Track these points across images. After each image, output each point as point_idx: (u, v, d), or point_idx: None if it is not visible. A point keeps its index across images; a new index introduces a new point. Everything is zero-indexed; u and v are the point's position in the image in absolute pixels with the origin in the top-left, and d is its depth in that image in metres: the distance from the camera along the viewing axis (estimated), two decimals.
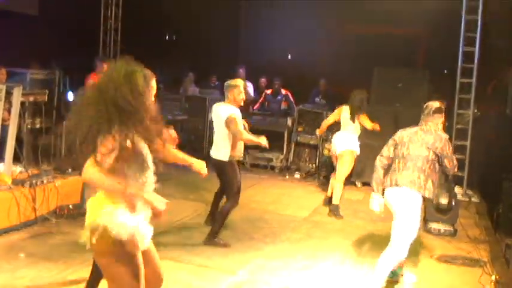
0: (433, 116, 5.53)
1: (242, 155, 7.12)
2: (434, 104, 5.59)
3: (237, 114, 6.62)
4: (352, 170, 8.79)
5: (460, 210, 8.01)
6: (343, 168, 8.40)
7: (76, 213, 7.07)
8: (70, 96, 10.56)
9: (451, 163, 5.40)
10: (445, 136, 5.49)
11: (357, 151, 8.44)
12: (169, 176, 7.80)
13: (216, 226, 6.68)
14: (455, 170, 5.54)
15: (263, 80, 12.65)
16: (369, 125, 8.37)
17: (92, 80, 9.45)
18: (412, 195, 5.27)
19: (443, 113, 5.64)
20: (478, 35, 10.12)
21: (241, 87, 6.79)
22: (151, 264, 3.54)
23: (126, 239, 3.25)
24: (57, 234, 6.43)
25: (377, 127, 8.40)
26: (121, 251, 3.27)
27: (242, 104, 6.86)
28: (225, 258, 6.10)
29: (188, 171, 4.25)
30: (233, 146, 6.62)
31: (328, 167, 10.55)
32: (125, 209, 3.29)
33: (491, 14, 10.34)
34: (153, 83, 3.47)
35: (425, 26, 13.13)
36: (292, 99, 12.06)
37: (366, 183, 9.66)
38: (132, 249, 3.30)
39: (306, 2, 12.91)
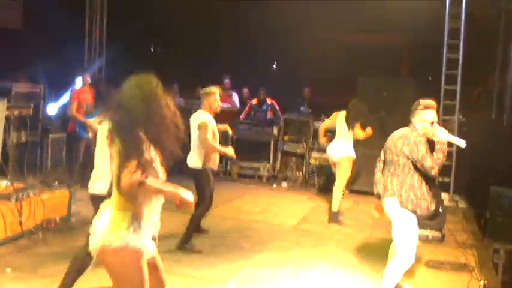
0: (422, 112, 5.17)
1: (217, 165, 7.18)
2: (426, 100, 5.27)
3: (209, 120, 6.76)
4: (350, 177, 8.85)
5: (447, 215, 8.04)
6: (342, 175, 8.42)
7: (63, 227, 7.05)
8: (49, 109, 10.48)
9: (423, 166, 4.98)
10: (415, 138, 5.07)
11: (354, 155, 8.44)
12: None
13: (188, 232, 6.73)
14: (433, 172, 5.00)
15: (246, 90, 12.72)
16: (360, 135, 8.43)
17: (78, 94, 9.44)
18: (389, 202, 5.20)
19: (434, 111, 5.24)
20: (461, 42, 10.20)
21: (216, 95, 6.90)
22: (156, 273, 3.59)
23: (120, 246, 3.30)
24: (43, 248, 6.36)
25: (369, 132, 8.47)
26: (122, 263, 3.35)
27: (218, 111, 6.98)
28: (213, 269, 6.07)
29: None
30: (207, 154, 6.69)
31: (322, 176, 10.70)
32: (127, 220, 3.33)
33: (473, 21, 10.44)
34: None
35: (409, 34, 13.21)
36: (277, 108, 12.09)
37: (355, 191, 9.72)
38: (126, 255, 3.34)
39: (290, 11, 12.94)
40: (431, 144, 5.10)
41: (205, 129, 6.64)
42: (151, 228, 3.47)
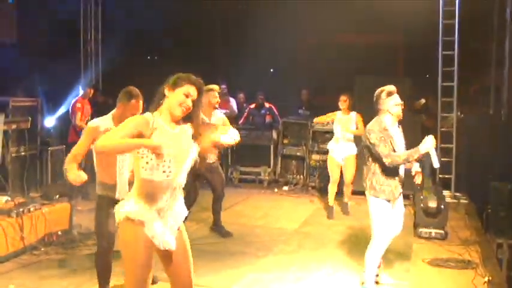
0: (390, 99, 5.37)
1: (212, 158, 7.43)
2: (386, 87, 5.44)
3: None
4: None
5: (449, 212, 8.03)
6: None
7: (65, 240, 7.03)
8: (48, 122, 10.49)
9: (376, 153, 5.24)
10: (370, 126, 5.35)
11: (330, 154, 8.98)
12: None
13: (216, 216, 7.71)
14: (385, 161, 5.15)
15: (241, 95, 12.73)
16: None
17: (79, 103, 9.46)
18: (366, 194, 5.48)
19: (395, 95, 5.41)
20: (456, 39, 10.22)
21: (216, 93, 7.32)
22: (176, 267, 3.73)
23: (125, 218, 3.52)
24: (46, 263, 6.34)
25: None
26: (122, 228, 3.56)
27: (217, 106, 7.42)
28: (217, 275, 6.05)
29: None
30: None
31: (322, 178, 10.72)
32: (138, 199, 3.52)
33: (467, 17, 10.45)
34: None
35: (404, 33, 13.23)
36: (276, 112, 12.08)
37: (356, 192, 9.68)
38: (129, 226, 3.51)
39: (285, 13, 12.95)
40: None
41: None
42: (168, 217, 3.58)
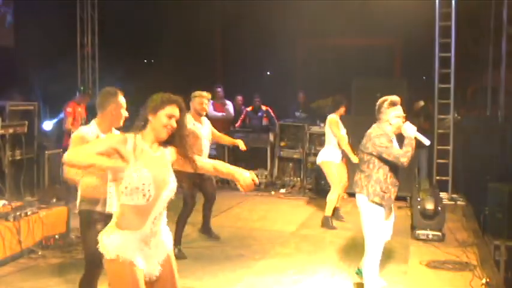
0: (392, 109, 5.29)
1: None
2: (391, 97, 5.37)
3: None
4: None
5: (446, 214, 8.04)
6: (330, 180, 8.61)
7: (62, 243, 7.03)
8: (46, 125, 10.50)
9: (390, 156, 5.11)
10: (375, 133, 5.24)
11: (329, 160, 8.49)
12: None
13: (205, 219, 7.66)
14: (402, 161, 5.06)
15: (239, 98, 12.72)
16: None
17: (70, 107, 9.47)
18: (358, 197, 5.40)
19: (398, 106, 5.33)
20: (452, 41, 10.23)
21: (201, 99, 7.07)
22: None
23: (111, 258, 3.38)
24: (44, 266, 6.34)
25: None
26: (110, 268, 3.42)
27: (204, 113, 7.16)
28: (215, 278, 6.05)
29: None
30: None
31: (319, 181, 10.66)
32: (116, 228, 3.42)
33: (464, 18, 10.47)
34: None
35: (400, 35, 13.25)
36: (273, 114, 12.08)
37: (353, 194, 9.68)
38: (117, 267, 3.38)
39: (281, 16, 12.96)
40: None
41: None
42: (145, 244, 3.45)
